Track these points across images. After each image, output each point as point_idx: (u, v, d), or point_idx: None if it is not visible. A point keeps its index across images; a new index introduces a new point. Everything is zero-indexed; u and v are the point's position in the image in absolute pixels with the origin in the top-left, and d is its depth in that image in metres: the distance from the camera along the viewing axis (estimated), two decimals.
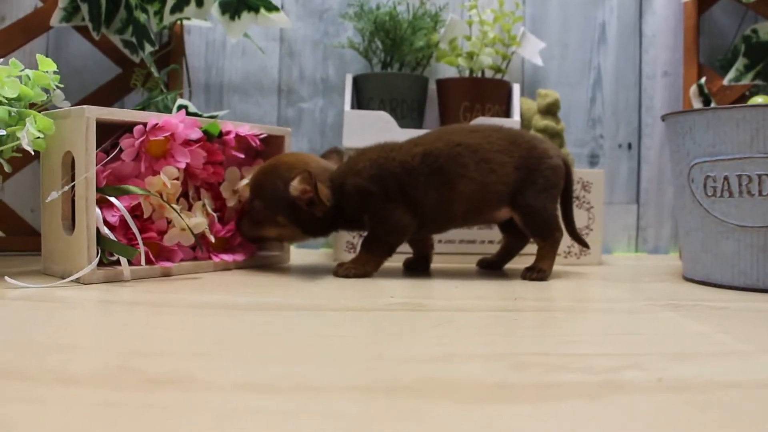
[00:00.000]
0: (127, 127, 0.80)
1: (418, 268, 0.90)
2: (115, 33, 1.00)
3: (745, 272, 0.77)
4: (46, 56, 1.11)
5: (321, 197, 0.78)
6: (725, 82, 1.05)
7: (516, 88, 1.05)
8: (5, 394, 0.36)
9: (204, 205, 0.86)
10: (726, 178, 0.76)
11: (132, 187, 0.77)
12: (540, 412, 0.35)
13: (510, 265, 0.93)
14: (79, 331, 0.52)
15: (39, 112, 0.79)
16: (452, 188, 0.80)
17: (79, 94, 1.08)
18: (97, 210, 0.74)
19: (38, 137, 0.73)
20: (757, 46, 1.02)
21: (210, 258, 0.86)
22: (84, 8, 0.97)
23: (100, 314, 0.59)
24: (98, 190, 0.74)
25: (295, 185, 0.78)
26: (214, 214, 0.87)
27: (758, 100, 0.86)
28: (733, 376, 0.43)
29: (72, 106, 0.80)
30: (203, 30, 1.15)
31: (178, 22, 1.03)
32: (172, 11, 0.96)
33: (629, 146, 1.18)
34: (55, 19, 0.98)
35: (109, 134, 0.80)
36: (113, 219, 0.76)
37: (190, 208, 0.85)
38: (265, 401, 0.36)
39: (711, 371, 0.44)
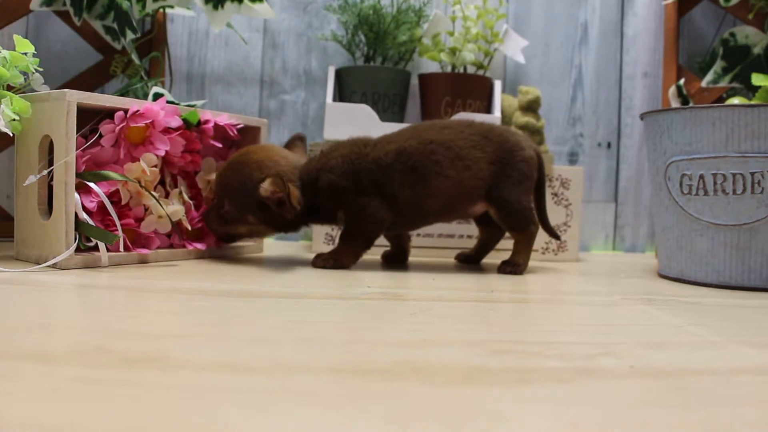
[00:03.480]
0: (107, 113, 0.79)
1: (396, 261, 0.90)
2: (96, 18, 0.99)
3: (718, 270, 0.78)
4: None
5: (291, 200, 0.77)
6: (703, 84, 1.06)
7: (497, 85, 1.05)
8: None
9: (181, 192, 0.85)
10: (701, 177, 0.77)
11: (111, 173, 0.76)
12: (516, 395, 0.36)
13: (487, 260, 0.93)
14: (57, 313, 0.52)
15: (18, 93, 0.78)
16: (427, 185, 0.80)
17: (59, 80, 1.07)
18: (76, 195, 0.73)
19: (14, 119, 0.72)
20: (735, 50, 1.04)
21: (185, 246, 0.86)
22: None
23: (78, 298, 0.59)
24: (77, 175, 0.74)
25: (266, 187, 0.77)
26: (191, 202, 0.87)
27: (735, 101, 0.87)
28: (705, 363, 0.43)
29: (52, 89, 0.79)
30: (186, 19, 1.14)
31: (161, 9, 1.02)
32: None
33: (608, 145, 1.19)
34: (35, 3, 0.97)
35: (87, 120, 0.79)
36: (91, 205, 0.75)
37: (167, 196, 0.85)
38: (242, 380, 0.36)
39: (683, 359, 0.44)
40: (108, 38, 1.00)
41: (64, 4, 0.97)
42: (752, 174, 0.74)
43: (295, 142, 0.91)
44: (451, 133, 0.82)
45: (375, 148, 0.82)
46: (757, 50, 1.03)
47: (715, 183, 0.76)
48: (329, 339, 0.45)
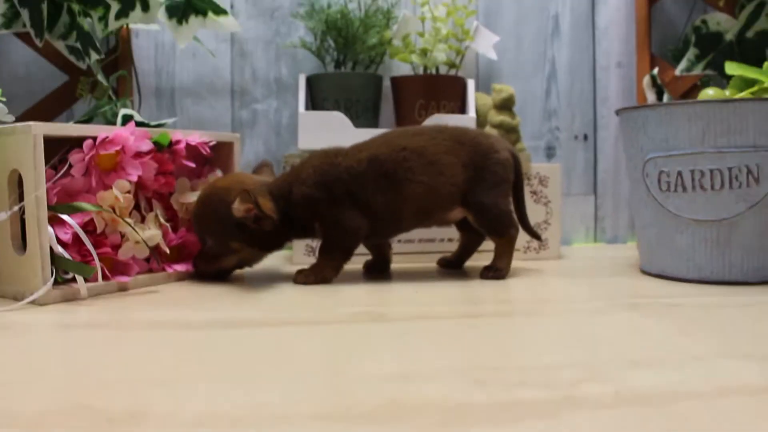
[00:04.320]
0: (76, 141, 0.77)
1: (378, 269, 0.90)
2: (58, 39, 0.97)
3: (699, 266, 0.78)
4: None
5: (265, 211, 0.76)
6: (677, 72, 1.06)
7: (471, 84, 1.04)
8: None
9: (157, 216, 0.84)
10: (679, 173, 0.77)
11: (85, 204, 0.75)
12: None
13: (470, 263, 0.93)
14: (34, 364, 0.50)
15: None
16: (400, 192, 0.80)
17: (25, 103, 1.05)
18: (50, 228, 0.71)
19: None
20: (707, 37, 1.04)
21: (165, 269, 0.85)
22: (24, 14, 0.94)
23: (56, 342, 0.57)
24: (49, 208, 0.72)
25: (237, 206, 0.76)
26: (167, 225, 0.85)
27: (709, 92, 0.87)
28: (689, 385, 0.43)
29: (18, 116, 0.77)
30: (151, 33, 1.12)
31: (125, 26, 1.00)
32: (117, 17, 0.93)
33: (585, 137, 1.19)
34: None
35: (55, 148, 0.78)
36: (66, 236, 0.73)
37: (142, 220, 0.84)
38: None
39: (667, 380, 0.44)
40: (72, 58, 0.98)
41: (24, 26, 0.95)
42: (729, 169, 0.74)
43: (263, 168, 0.90)
44: (423, 139, 0.82)
45: (347, 157, 0.81)
46: (729, 36, 1.03)
47: (693, 179, 0.76)
48: (314, 375, 0.45)
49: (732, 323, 0.60)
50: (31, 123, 0.71)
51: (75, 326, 0.62)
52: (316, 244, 0.97)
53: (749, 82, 0.89)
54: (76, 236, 0.74)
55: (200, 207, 0.82)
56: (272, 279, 0.86)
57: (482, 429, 0.36)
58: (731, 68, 0.89)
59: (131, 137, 0.78)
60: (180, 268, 0.85)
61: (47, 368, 0.49)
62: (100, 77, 0.96)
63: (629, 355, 0.50)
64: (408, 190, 0.80)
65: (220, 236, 0.81)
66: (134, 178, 0.79)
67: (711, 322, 0.61)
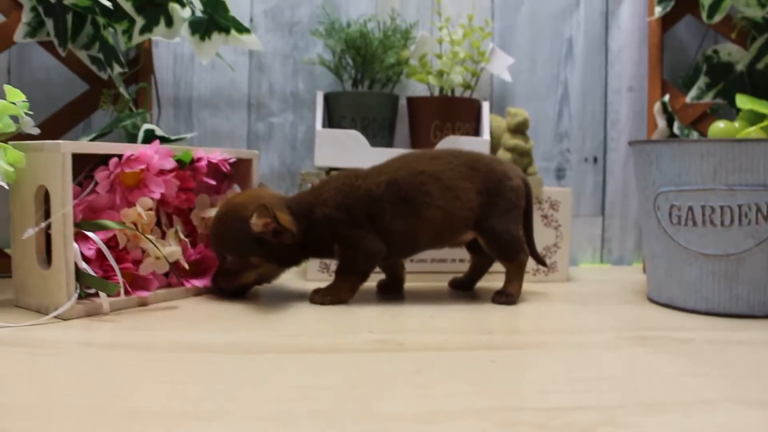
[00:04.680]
0: (100, 156, 0.79)
1: (392, 289, 0.92)
2: (81, 49, 0.98)
3: (707, 298, 0.80)
4: (9, 70, 1.09)
5: (284, 224, 0.78)
6: (688, 99, 1.08)
7: (486, 107, 1.06)
8: None
9: (177, 231, 0.86)
10: (690, 208, 0.79)
11: (109, 222, 0.76)
12: None
13: (481, 283, 0.95)
14: (57, 387, 0.52)
15: (9, 139, 0.78)
16: (418, 216, 0.82)
17: (44, 109, 1.06)
18: (75, 245, 0.73)
19: (9, 170, 0.72)
20: (718, 66, 1.06)
21: (183, 284, 0.86)
22: (49, 23, 0.95)
23: (79, 363, 0.59)
24: (76, 225, 0.74)
25: (255, 221, 0.78)
26: (187, 240, 0.87)
27: (720, 125, 0.89)
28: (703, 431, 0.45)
29: (38, 123, 0.79)
30: (171, 43, 1.13)
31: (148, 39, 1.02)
32: (142, 31, 0.94)
33: (595, 160, 1.21)
34: (18, 35, 0.96)
35: (80, 163, 0.79)
36: (90, 252, 0.75)
37: (163, 236, 0.85)
38: None
39: (681, 426, 0.46)
40: (94, 68, 1.00)
41: (48, 35, 0.96)
42: (740, 206, 0.76)
43: (261, 188, 0.91)
44: (440, 163, 0.84)
45: (366, 180, 0.83)
46: (739, 67, 1.05)
47: (703, 214, 0.78)
48: (339, 413, 0.47)
49: (741, 364, 0.62)
50: (60, 141, 0.72)
51: (100, 346, 0.64)
52: (331, 262, 0.99)
53: (759, 116, 0.91)
54: (99, 251, 0.76)
55: (218, 224, 0.84)
56: (287, 297, 0.87)
57: None
58: (742, 101, 0.91)
59: (156, 156, 0.80)
60: (198, 283, 0.87)
61: (67, 394, 0.51)
62: (122, 90, 0.98)
63: (642, 397, 0.52)
64: (426, 214, 0.81)
65: (239, 252, 0.83)
66: (157, 196, 0.81)
67: (720, 361, 0.62)
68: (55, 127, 1.04)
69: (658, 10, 1.09)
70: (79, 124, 1.10)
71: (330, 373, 0.57)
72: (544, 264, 0.92)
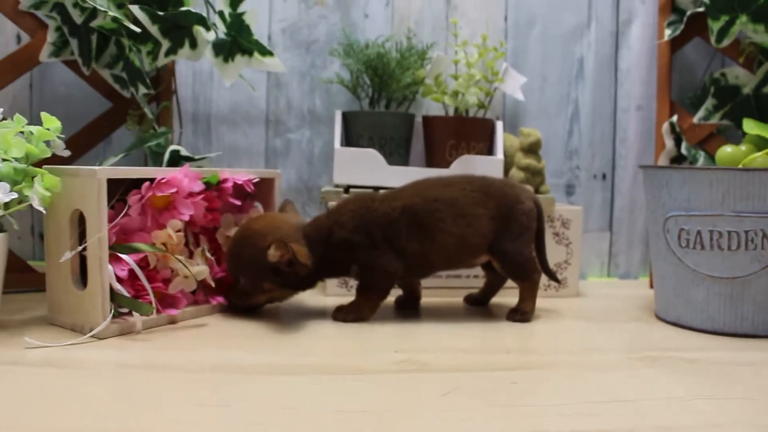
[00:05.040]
0: (131, 180, 0.82)
1: (409, 305, 0.95)
2: (104, 68, 1.01)
3: (713, 318, 0.83)
4: (31, 86, 1.12)
5: (300, 259, 0.80)
6: (695, 120, 1.11)
7: (499, 126, 1.09)
8: None
9: (203, 250, 0.89)
10: (699, 232, 0.82)
11: (141, 245, 0.80)
12: None
13: (495, 299, 0.98)
14: (105, 411, 0.55)
15: (42, 163, 0.81)
16: (433, 241, 0.85)
17: (65, 124, 1.07)
18: (109, 267, 0.76)
19: (46, 195, 0.76)
20: (726, 89, 1.09)
21: (209, 302, 0.90)
22: (74, 43, 0.99)
23: (121, 385, 0.62)
24: (110, 248, 0.77)
25: (272, 253, 0.80)
26: (213, 259, 0.90)
27: (727, 149, 0.92)
28: None
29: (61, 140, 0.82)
30: (190, 61, 1.16)
31: None
32: (167, 54, 0.97)
33: (603, 177, 1.24)
34: (44, 55, 0.99)
35: (112, 183, 0.82)
36: (122, 273, 0.79)
37: (190, 255, 0.89)
38: None
39: None
40: (117, 86, 1.03)
41: (72, 54, 0.99)
42: (746, 232, 0.79)
43: (286, 206, 0.94)
44: (453, 190, 0.87)
45: (382, 204, 0.86)
46: (746, 90, 1.08)
47: (711, 239, 0.81)
48: None
49: (748, 386, 0.65)
50: (96, 168, 0.75)
51: (137, 367, 0.67)
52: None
53: (765, 140, 0.94)
54: (130, 272, 0.79)
55: (235, 248, 0.86)
56: (309, 314, 0.91)
57: None
58: (749, 126, 0.94)
59: (185, 179, 0.83)
60: (223, 300, 0.90)
61: (107, 418, 0.54)
62: (147, 110, 1.01)
63: (656, 420, 0.55)
64: (440, 240, 0.85)
65: (254, 278, 0.85)
66: (186, 218, 0.84)
67: (728, 383, 0.66)
68: (78, 145, 1.07)
69: (667, 33, 1.12)
70: (102, 141, 1.13)
71: (361, 394, 0.60)
72: (557, 280, 0.95)
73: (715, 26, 1.03)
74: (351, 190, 1.03)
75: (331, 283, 1.02)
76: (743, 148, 0.93)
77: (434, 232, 0.85)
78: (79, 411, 0.55)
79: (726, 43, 1.03)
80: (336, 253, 0.85)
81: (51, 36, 0.99)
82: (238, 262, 0.86)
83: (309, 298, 1.00)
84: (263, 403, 0.57)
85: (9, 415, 0.53)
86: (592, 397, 0.61)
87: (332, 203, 0.95)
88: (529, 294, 0.90)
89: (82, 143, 1.08)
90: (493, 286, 0.97)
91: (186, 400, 0.58)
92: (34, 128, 0.80)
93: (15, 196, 0.74)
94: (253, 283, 0.86)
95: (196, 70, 1.18)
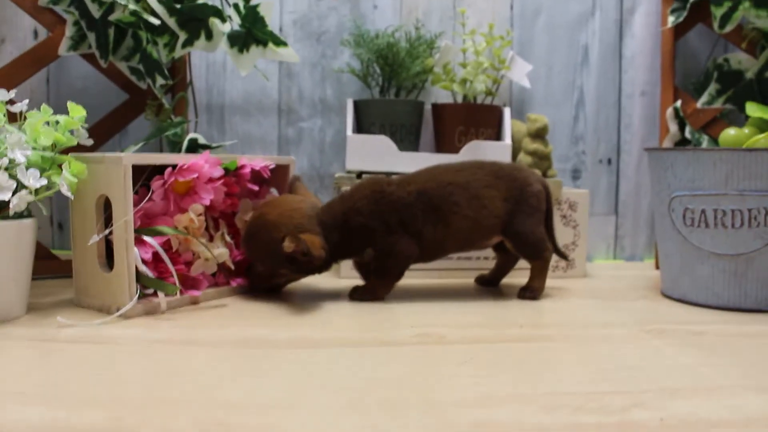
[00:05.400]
0: (153, 166, 0.85)
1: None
2: (121, 60, 1.04)
3: (717, 294, 0.86)
4: (48, 79, 1.15)
5: (314, 252, 0.82)
6: (699, 105, 1.14)
7: (507, 113, 1.12)
8: None
9: (223, 234, 0.92)
10: (703, 211, 0.85)
11: (165, 228, 0.83)
12: None
13: (504, 280, 1.01)
14: (145, 382, 0.58)
15: (66, 152, 0.84)
16: (447, 225, 0.88)
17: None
18: (135, 249, 0.79)
19: (73, 181, 0.78)
20: (728, 74, 1.12)
21: (229, 283, 0.93)
22: (91, 37, 1.01)
23: (155, 359, 0.65)
24: (135, 231, 0.80)
25: (287, 245, 0.82)
26: (232, 242, 0.93)
27: (731, 132, 0.95)
28: (719, 413, 0.52)
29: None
30: (204, 52, 1.19)
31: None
32: (184, 45, 1.00)
33: (609, 161, 1.27)
34: (62, 49, 1.01)
35: (134, 170, 0.85)
36: (146, 255, 0.81)
37: (210, 239, 0.92)
38: None
39: (700, 409, 0.52)
40: (133, 78, 1.06)
41: (90, 47, 1.02)
42: (749, 210, 0.82)
43: (295, 184, 0.97)
44: (465, 174, 0.90)
45: (397, 188, 0.88)
46: (749, 75, 1.11)
47: (715, 217, 0.84)
48: (405, 401, 0.53)
49: (750, 354, 0.68)
50: (121, 154, 0.78)
51: (166, 342, 0.70)
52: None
53: (767, 123, 0.96)
54: (154, 254, 0.82)
55: (250, 236, 0.88)
56: (324, 295, 0.94)
57: None
58: (751, 109, 0.97)
59: (206, 165, 0.86)
60: (243, 282, 0.93)
61: (156, 385, 0.57)
62: (164, 101, 1.04)
63: (666, 383, 0.58)
64: (455, 223, 0.88)
65: (270, 265, 0.88)
66: (207, 202, 0.87)
67: (731, 352, 0.69)
68: (95, 136, 1.09)
69: (671, 20, 1.14)
70: (119, 132, 1.16)
71: (386, 365, 0.63)
72: (566, 258, 0.98)
73: (718, 12, 1.05)
74: (363, 176, 1.06)
75: (346, 266, 1.05)
76: (746, 131, 0.96)
77: (449, 215, 0.87)
78: (114, 381, 0.58)
79: (729, 28, 1.05)
80: (351, 238, 0.88)
81: (69, 30, 1.01)
82: (253, 249, 0.89)
83: (324, 280, 1.03)
84: (292, 373, 0.60)
85: (47, 386, 0.57)
86: (604, 365, 0.64)
87: (345, 188, 0.98)
88: (539, 272, 0.93)
89: (100, 134, 1.11)
90: (504, 267, 1.00)
91: (218, 371, 0.61)
92: (60, 117, 0.83)
93: (45, 182, 0.77)
94: (270, 269, 0.89)
95: (209, 62, 1.20)
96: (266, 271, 0.90)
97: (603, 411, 0.51)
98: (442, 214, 0.87)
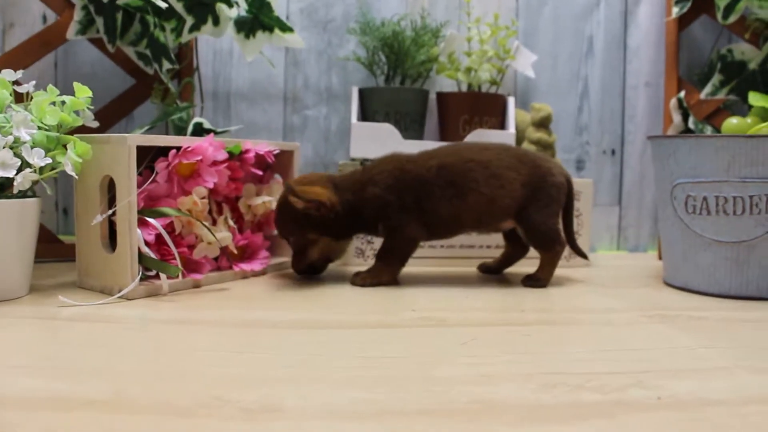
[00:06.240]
0: (157, 149, 0.86)
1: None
2: (128, 45, 1.05)
3: (719, 281, 0.86)
4: (56, 64, 1.15)
5: (321, 198, 0.86)
6: (702, 96, 1.14)
7: (511, 102, 1.12)
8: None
9: (226, 218, 0.93)
10: (705, 198, 0.85)
11: (168, 209, 0.83)
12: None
13: (510, 269, 1.01)
14: (148, 357, 0.59)
15: (72, 132, 0.84)
16: (464, 200, 0.88)
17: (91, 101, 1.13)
18: (138, 231, 0.80)
19: (78, 161, 0.79)
20: (732, 65, 1.12)
21: (231, 268, 0.93)
22: (99, 21, 1.02)
23: (158, 337, 0.66)
24: (139, 212, 0.80)
25: (293, 200, 0.86)
26: (235, 227, 0.94)
27: (733, 121, 0.95)
28: (718, 393, 0.52)
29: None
30: (211, 39, 1.19)
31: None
32: (191, 30, 1.00)
33: (613, 152, 1.27)
34: (71, 32, 1.02)
35: (139, 153, 0.86)
36: (149, 237, 0.82)
37: (214, 223, 0.92)
38: (358, 428, 0.43)
39: (699, 388, 0.53)
40: (140, 63, 1.06)
41: (97, 32, 1.03)
42: (751, 197, 0.82)
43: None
44: (489, 154, 0.90)
45: (417, 164, 0.89)
46: (752, 66, 1.11)
47: (717, 204, 0.84)
48: (405, 377, 0.53)
49: (749, 338, 0.68)
50: (126, 135, 0.79)
51: (170, 321, 0.70)
52: (365, 245, 1.05)
53: None
54: (157, 236, 0.83)
55: (277, 214, 0.92)
56: (328, 280, 0.94)
57: (554, 426, 0.45)
58: (754, 99, 0.97)
59: (210, 148, 0.86)
60: (245, 266, 0.94)
61: (159, 360, 0.58)
62: (170, 85, 1.04)
63: (665, 364, 0.59)
64: (471, 199, 0.88)
65: (297, 231, 0.90)
66: (210, 185, 0.87)
67: (731, 336, 0.69)
68: (101, 120, 1.10)
69: (675, 11, 1.14)
70: (126, 116, 1.16)
71: (387, 345, 0.63)
72: (584, 256, 0.98)
73: (721, 3, 1.05)
74: (366, 163, 1.06)
75: (348, 253, 1.06)
76: (749, 120, 0.96)
77: (466, 191, 0.88)
78: (114, 355, 0.58)
79: (732, 19, 1.05)
80: (366, 208, 0.89)
81: (78, 14, 1.02)
82: (279, 223, 0.92)
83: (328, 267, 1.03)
84: (292, 351, 0.61)
85: (49, 360, 0.57)
86: (604, 347, 0.64)
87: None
88: (548, 264, 0.92)
89: (106, 119, 1.12)
90: (510, 257, 1.00)
91: (218, 348, 0.61)
92: (66, 98, 0.83)
93: (50, 161, 0.77)
94: (298, 236, 0.91)
95: (216, 49, 1.21)
96: (297, 243, 0.91)
97: (602, 390, 0.52)
98: (459, 189, 0.88)
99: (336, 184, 0.90)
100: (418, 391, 0.50)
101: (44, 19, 1.15)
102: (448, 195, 0.88)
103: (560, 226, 0.93)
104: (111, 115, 1.12)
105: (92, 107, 0.87)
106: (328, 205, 0.87)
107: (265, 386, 0.51)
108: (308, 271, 0.95)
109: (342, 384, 0.52)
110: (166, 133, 1.11)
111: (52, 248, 1.05)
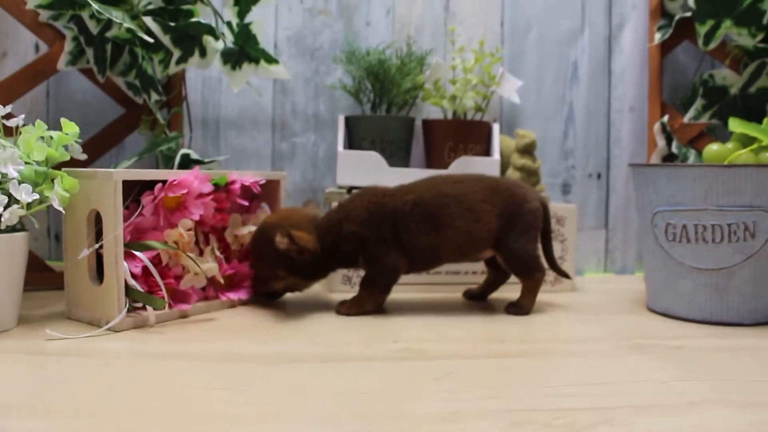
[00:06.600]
0: (144, 182, 0.87)
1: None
2: (118, 75, 1.07)
3: (700, 307, 0.87)
4: (48, 93, 1.17)
5: (300, 243, 0.86)
6: (685, 120, 1.15)
7: (496, 128, 1.14)
8: None
9: (213, 249, 0.94)
10: (684, 226, 0.86)
11: (155, 243, 0.84)
12: None
13: (494, 294, 1.02)
14: (126, 394, 0.60)
15: (60, 166, 0.85)
16: (440, 235, 0.89)
17: (81, 129, 1.13)
18: (125, 263, 0.81)
19: (65, 195, 0.80)
20: (714, 90, 1.13)
21: (218, 297, 0.94)
22: (89, 52, 1.04)
23: (140, 372, 0.66)
24: (125, 245, 0.82)
25: (279, 240, 0.86)
26: (221, 257, 0.95)
27: (714, 147, 0.96)
28: (689, 429, 0.53)
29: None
30: None
31: None
32: (178, 62, 1.02)
33: (598, 176, 1.29)
34: (61, 63, 1.04)
35: (126, 185, 0.87)
36: (136, 269, 0.83)
37: (200, 253, 0.93)
38: None
39: (666, 426, 0.54)
40: (130, 93, 1.08)
41: (88, 62, 1.04)
42: (729, 225, 0.83)
43: (309, 204, 1.02)
44: (463, 186, 0.91)
45: (393, 198, 0.91)
46: (733, 91, 1.12)
47: (696, 232, 0.85)
48: (377, 415, 0.54)
49: (725, 369, 0.69)
50: (112, 170, 0.80)
51: (153, 356, 0.71)
52: (352, 273, 1.06)
53: (750, 138, 0.98)
54: (144, 268, 0.84)
55: (255, 240, 0.94)
56: (313, 307, 0.95)
57: None
58: (734, 125, 0.98)
59: (196, 181, 0.88)
60: (232, 296, 0.95)
61: (138, 397, 0.59)
62: (159, 116, 1.06)
63: (637, 400, 0.59)
64: (448, 234, 0.89)
65: (269, 265, 0.92)
66: (196, 218, 0.89)
67: (707, 367, 0.70)
68: (92, 149, 1.11)
69: (657, 36, 1.16)
70: (115, 146, 1.18)
71: (364, 379, 0.64)
72: (566, 276, 0.99)
73: (702, 30, 1.07)
74: (353, 191, 1.07)
75: (335, 280, 1.07)
76: (729, 145, 0.97)
77: (443, 226, 0.89)
78: (99, 393, 0.59)
79: (713, 45, 1.07)
80: (345, 245, 0.90)
81: (68, 45, 1.04)
82: (254, 253, 0.94)
83: (313, 294, 1.04)
84: (274, 387, 0.62)
85: (29, 398, 0.58)
86: (579, 380, 0.65)
87: (334, 204, 1.00)
88: (529, 291, 0.93)
89: (97, 148, 1.13)
90: (493, 283, 1.01)
91: (201, 385, 0.62)
92: (53, 133, 0.85)
93: (37, 197, 0.78)
94: (269, 269, 0.92)
95: (205, 76, 1.22)
96: (265, 274, 0.93)
97: (570, 427, 0.53)
98: (436, 224, 0.89)
99: (317, 226, 0.92)
100: (390, 429, 0.51)
101: (37, 48, 1.17)
102: (425, 229, 0.89)
103: (540, 251, 0.94)
104: (102, 144, 1.14)
105: (80, 140, 0.88)
106: (311, 251, 0.88)
107: (238, 425, 0.52)
108: (266, 297, 0.97)
109: (314, 421, 0.53)
110: (156, 164, 1.12)
111: (42, 276, 1.06)
